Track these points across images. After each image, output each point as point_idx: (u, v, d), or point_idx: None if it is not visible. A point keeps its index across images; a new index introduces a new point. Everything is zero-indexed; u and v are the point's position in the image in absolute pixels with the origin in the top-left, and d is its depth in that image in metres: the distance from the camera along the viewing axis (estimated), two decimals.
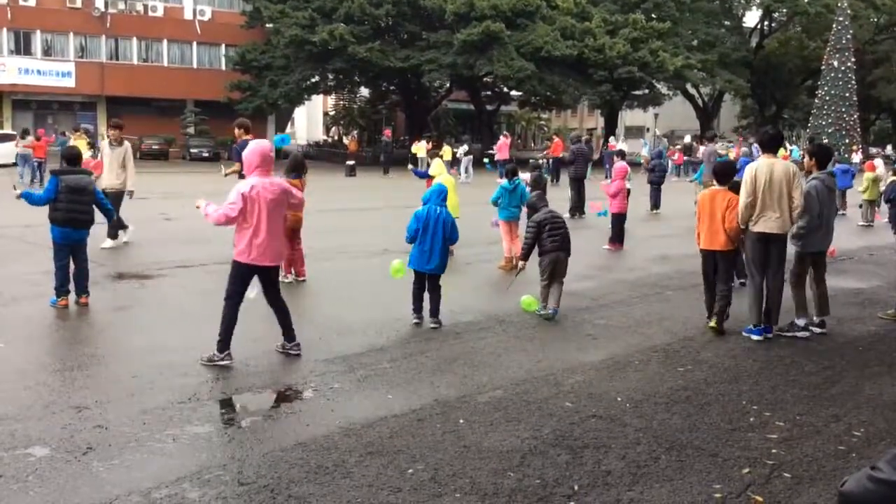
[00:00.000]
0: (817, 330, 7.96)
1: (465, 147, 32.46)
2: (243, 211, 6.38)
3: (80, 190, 8.37)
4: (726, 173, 8.33)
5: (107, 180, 12.32)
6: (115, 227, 12.02)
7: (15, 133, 37.08)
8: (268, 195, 6.46)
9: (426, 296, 8.13)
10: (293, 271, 10.15)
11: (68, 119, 45.01)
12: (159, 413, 5.42)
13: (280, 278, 10.02)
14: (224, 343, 6.53)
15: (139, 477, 4.42)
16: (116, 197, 12.16)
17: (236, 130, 12.63)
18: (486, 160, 31.36)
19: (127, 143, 12.88)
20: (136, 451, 4.78)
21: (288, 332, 6.87)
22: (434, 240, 7.96)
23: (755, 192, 7.48)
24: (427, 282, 8.08)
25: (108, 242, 12.12)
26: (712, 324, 7.99)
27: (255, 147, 6.64)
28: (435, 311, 8.03)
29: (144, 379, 6.10)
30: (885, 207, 13.45)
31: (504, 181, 11.70)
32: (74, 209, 8.32)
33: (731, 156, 29.60)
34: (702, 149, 20.83)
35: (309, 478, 4.44)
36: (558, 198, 19.45)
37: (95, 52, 47.14)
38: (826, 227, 8.01)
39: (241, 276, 6.61)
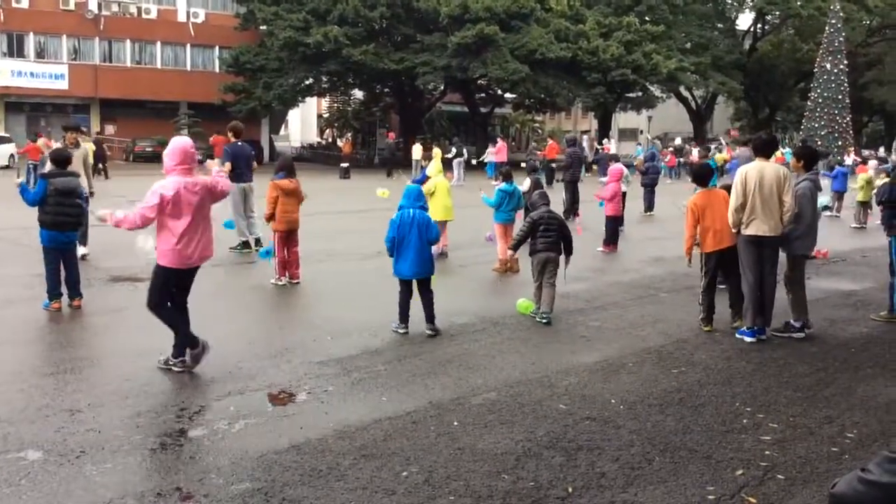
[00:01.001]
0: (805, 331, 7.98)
1: (454, 150, 32.38)
2: (162, 210, 6.07)
3: (69, 192, 8.29)
4: (704, 175, 8.59)
5: None
6: (84, 234, 11.05)
7: (8, 136, 37.04)
8: (190, 196, 6.17)
9: (415, 302, 7.82)
10: (287, 273, 10.13)
11: (61, 122, 44.82)
12: (153, 416, 5.41)
13: (273, 281, 10.08)
14: (181, 347, 6.34)
15: (132, 480, 4.41)
16: None
17: (228, 133, 12.70)
18: (482, 159, 31.30)
19: (85, 146, 11.83)
20: (130, 454, 4.77)
21: (180, 344, 6.40)
22: (412, 244, 7.64)
23: (745, 195, 7.50)
24: (417, 286, 7.81)
25: (82, 249, 11.23)
26: (736, 324, 8.05)
27: (175, 145, 6.30)
28: (430, 317, 7.76)
29: (138, 382, 6.09)
30: (877, 209, 13.48)
31: (503, 184, 11.71)
32: (62, 212, 8.23)
33: (724, 157, 29.73)
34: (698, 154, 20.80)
35: (303, 480, 4.43)
36: (553, 200, 19.45)
37: (89, 54, 46.98)
38: (813, 228, 8.05)
39: (166, 281, 6.34)
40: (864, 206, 18.63)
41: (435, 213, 12.38)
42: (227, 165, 12.40)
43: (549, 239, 8.55)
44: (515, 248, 9.06)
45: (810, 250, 8.25)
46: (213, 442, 5.00)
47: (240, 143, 12.82)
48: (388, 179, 31.15)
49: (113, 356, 6.90)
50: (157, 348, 6.97)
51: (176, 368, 6.35)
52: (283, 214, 10.06)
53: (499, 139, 36.24)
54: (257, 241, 12.62)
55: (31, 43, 45.29)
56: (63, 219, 8.25)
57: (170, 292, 6.44)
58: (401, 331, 7.66)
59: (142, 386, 6.00)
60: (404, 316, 7.74)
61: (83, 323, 8.11)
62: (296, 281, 10.13)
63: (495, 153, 32.52)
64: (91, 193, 11.83)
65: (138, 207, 6.11)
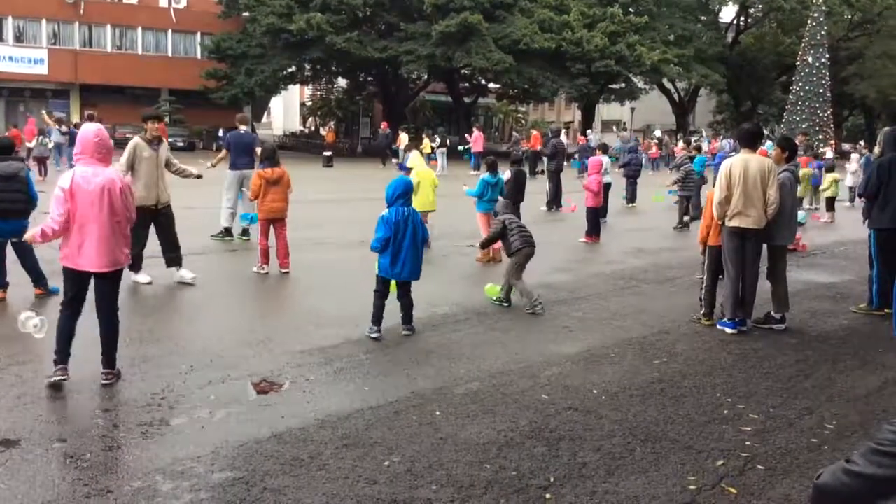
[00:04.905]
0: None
1: (438, 140, 32.37)
2: (69, 210, 5.56)
3: (7, 178, 7.91)
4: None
5: (149, 195, 8.99)
6: (177, 256, 9.40)
7: None
8: (90, 186, 5.58)
9: (393, 304, 7.35)
10: (268, 263, 10.06)
11: (40, 107, 44.37)
12: (133, 404, 5.36)
13: (255, 269, 10.01)
14: (61, 356, 5.67)
15: (112, 469, 4.37)
16: (171, 220, 9.34)
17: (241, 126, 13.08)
18: (460, 148, 31.51)
19: (166, 142, 9.72)
20: (109, 443, 4.73)
21: (108, 355, 5.85)
22: (405, 244, 7.15)
23: (730, 188, 7.53)
24: (397, 289, 7.37)
25: (143, 277, 9.28)
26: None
27: (83, 133, 5.78)
28: (408, 319, 7.42)
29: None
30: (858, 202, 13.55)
31: (485, 174, 11.71)
32: (1, 199, 7.87)
33: (705, 148, 29.85)
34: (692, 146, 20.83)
35: (284, 470, 4.41)
36: (536, 190, 19.51)
37: (69, 39, 46.51)
38: (792, 218, 8.11)
39: (71, 282, 5.76)
40: (832, 202, 18.77)
41: (416, 204, 12.38)
42: (224, 152, 12.87)
43: (525, 234, 8.68)
44: (485, 246, 9.37)
45: (790, 241, 8.31)
46: (194, 431, 4.96)
47: (241, 132, 12.91)
48: (382, 169, 31.17)
49: (92, 345, 6.81)
50: (136, 337, 6.93)
51: (53, 378, 5.62)
52: (263, 203, 10.01)
53: (475, 129, 36.24)
54: (244, 231, 12.68)
55: (9, 27, 44.76)
56: (2, 206, 7.88)
57: (79, 296, 5.79)
58: (374, 335, 7.14)
59: (122, 374, 5.94)
60: (378, 318, 7.23)
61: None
62: (285, 270, 10.07)
63: (472, 143, 32.54)
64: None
65: (50, 214, 5.61)
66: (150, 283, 9.17)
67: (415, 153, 13.26)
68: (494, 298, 8.72)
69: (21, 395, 5.48)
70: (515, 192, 13.42)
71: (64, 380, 5.61)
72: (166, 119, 38.02)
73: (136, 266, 9.12)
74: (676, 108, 59.12)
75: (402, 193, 7.30)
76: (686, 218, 15.86)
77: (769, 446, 4.96)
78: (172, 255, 9.30)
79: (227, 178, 12.62)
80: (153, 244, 9.29)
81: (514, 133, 44.11)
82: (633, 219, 17.95)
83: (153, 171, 9.08)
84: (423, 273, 7.66)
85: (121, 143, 36.47)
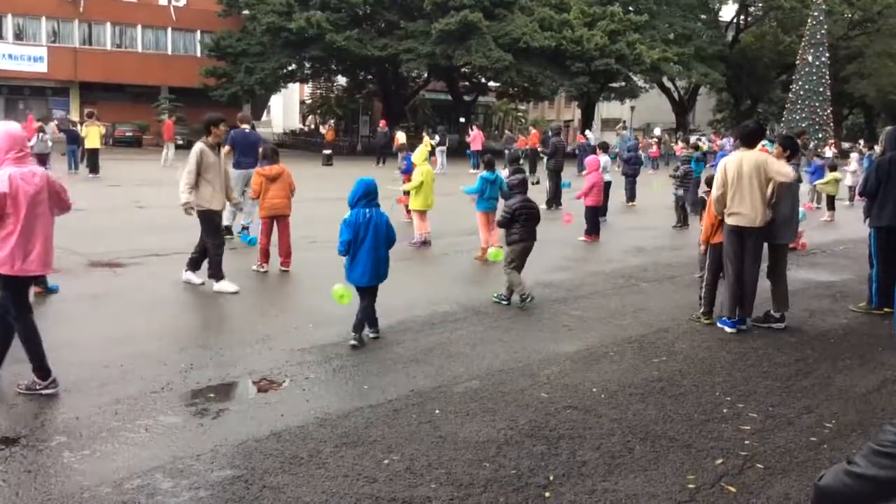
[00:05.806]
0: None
1: (438, 137, 32.38)
2: (3, 210, 5.22)
3: None
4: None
5: (214, 200, 9.02)
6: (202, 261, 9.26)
7: None
8: (29, 188, 5.29)
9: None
10: (269, 262, 10.06)
11: (40, 105, 44.37)
12: (132, 403, 5.36)
13: (255, 268, 10.01)
14: (42, 369, 5.50)
15: (111, 467, 4.37)
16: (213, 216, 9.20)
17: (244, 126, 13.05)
18: (468, 152, 31.59)
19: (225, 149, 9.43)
20: (108, 441, 4.73)
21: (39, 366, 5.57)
22: (364, 248, 6.97)
23: (725, 186, 7.53)
24: (365, 291, 7.13)
25: (194, 277, 9.26)
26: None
27: (14, 131, 5.44)
28: (363, 322, 7.08)
29: (116, 368, 6.03)
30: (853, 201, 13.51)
31: (484, 172, 11.71)
32: None
33: (704, 147, 29.80)
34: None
35: (283, 468, 4.41)
36: (534, 189, 19.45)
37: (68, 36, 46.49)
38: (793, 217, 8.11)
39: (17, 290, 5.48)
40: (831, 200, 18.79)
41: (416, 202, 12.39)
42: (227, 148, 12.73)
43: (528, 227, 8.66)
44: (501, 226, 9.04)
45: (792, 239, 8.31)
46: (193, 429, 4.96)
47: (247, 131, 12.90)
48: (377, 167, 31.15)
49: (91, 342, 6.83)
50: (136, 335, 6.93)
51: (47, 391, 5.47)
52: (265, 201, 10.01)
53: (474, 127, 36.16)
54: (244, 230, 12.70)
55: (9, 24, 44.74)
56: None
57: (26, 301, 5.59)
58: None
59: (120, 372, 5.94)
60: (374, 320, 7.21)
61: (60, 309, 8.02)
62: (285, 269, 10.07)
63: (471, 141, 32.53)
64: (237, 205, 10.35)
65: None
66: (236, 293, 8.87)
67: (420, 148, 13.24)
68: (495, 296, 8.70)
69: (20, 392, 5.47)
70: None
71: (56, 391, 5.48)
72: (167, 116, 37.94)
73: (218, 275, 8.97)
74: (676, 106, 59.11)
75: (364, 194, 7.12)
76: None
77: (768, 445, 4.96)
78: (199, 260, 9.23)
79: (230, 176, 12.58)
80: (149, 244, 9.27)
81: (507, 132, 43.92)
82: (632, 217, 17.94)
83: (217, 177, 9.00)
84: (423, 272, 7.65)
85: (120, 142, 36.50)
